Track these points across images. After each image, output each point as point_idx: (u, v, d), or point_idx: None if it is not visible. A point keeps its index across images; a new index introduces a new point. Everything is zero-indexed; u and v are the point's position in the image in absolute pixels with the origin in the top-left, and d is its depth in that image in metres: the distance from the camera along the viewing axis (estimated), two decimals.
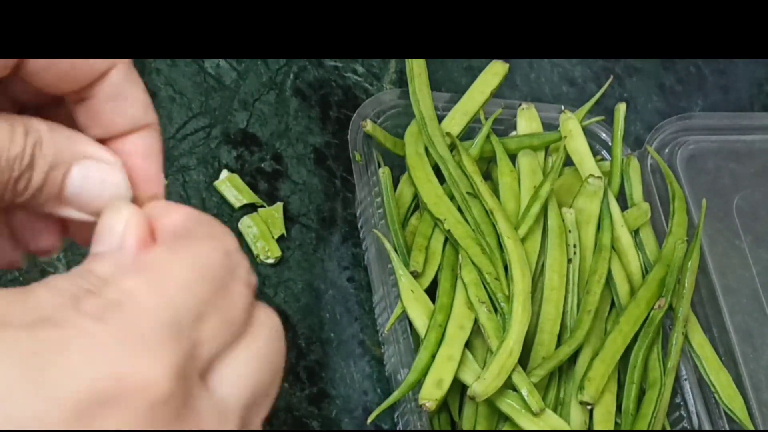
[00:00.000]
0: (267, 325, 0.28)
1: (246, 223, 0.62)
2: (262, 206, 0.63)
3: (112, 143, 0.30)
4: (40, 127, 0.28)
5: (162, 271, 0.26)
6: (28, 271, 0.56)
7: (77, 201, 0.29)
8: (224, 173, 0.64)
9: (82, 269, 0.26)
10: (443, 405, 0.56)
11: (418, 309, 0.56)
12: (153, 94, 0.65)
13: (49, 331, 0.23)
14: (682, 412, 0.60)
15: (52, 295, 0.24)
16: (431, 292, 0.58)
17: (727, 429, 0.60)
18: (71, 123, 0.30)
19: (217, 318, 0.26)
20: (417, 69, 0.63)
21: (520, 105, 0.68)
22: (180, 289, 0.25)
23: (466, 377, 0.54)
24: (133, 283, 0.25)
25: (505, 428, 0.55)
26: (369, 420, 0.55)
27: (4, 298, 0.24)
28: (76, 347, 0.23)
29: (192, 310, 0.25)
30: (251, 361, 0.27)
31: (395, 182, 0.62)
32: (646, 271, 0.63)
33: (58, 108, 0.31)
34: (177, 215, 0.29)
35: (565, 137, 0.65)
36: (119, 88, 0.30)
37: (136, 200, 0.30)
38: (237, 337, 0.26)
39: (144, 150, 0.31)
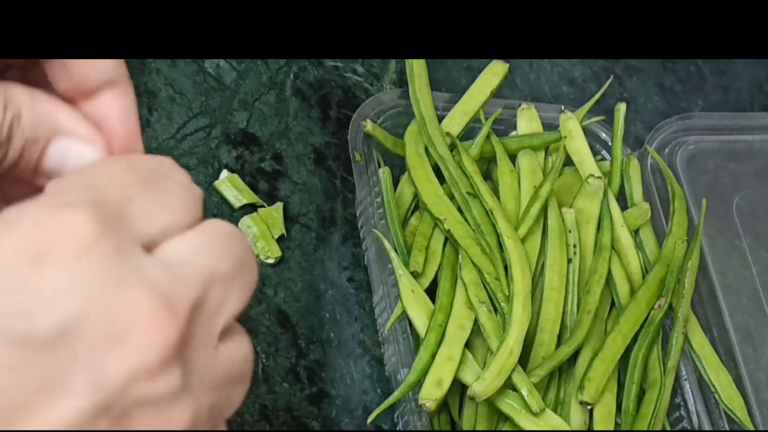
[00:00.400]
0: (217, 222, 0.28)
1: (246, 223, 0.62)
2: (262, 206, 0.63)
3: (88, 105, 0.30)
4: (21, 98, 0.28)
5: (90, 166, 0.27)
6: None
7: (55, 174, 0.29)
8: (224, 173, 0.64)
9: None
10: (443, 405, 0.56)
11: (418, 309, 0.56)
12: (153, 94, 0.65)
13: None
14: (682, 412, 0.60)
15: None
16: (431, 292, 0.58)
17: (727, 429, 0.60)
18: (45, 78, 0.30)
19: (148, 199, 0.26)
20: (417, 69, 0.63)
21: (520, 105, 0.68)
22: (101, 175, 0.26)
23: (466, 377, 0.54)
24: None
25: (505, 428, 0.55)
26: (369, 420, 0.55)
27: None
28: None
29: (115, 189, 0.26)
30: (202, 240, 0.27)
31: (395, 182, 0.62)
32: (646, 271, 0.63)
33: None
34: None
35: (565, 137, 0.65)
36: None
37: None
38: (185, 227, 0.27)
39: (120, 111, 0.30)
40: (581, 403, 0.56)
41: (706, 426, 0.59)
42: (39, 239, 0.23)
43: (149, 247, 0.26)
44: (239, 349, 0.28)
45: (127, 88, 0.31)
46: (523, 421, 0.53)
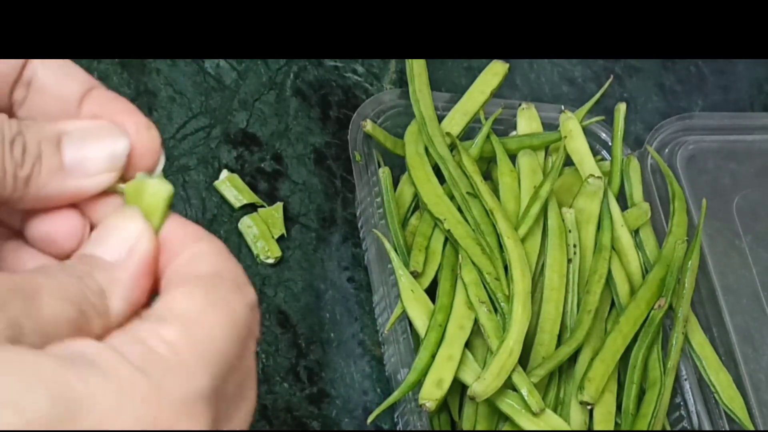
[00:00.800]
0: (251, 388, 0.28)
1: (246, 223, 0.62)
2: (262, 206, 0.63)
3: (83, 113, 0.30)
4: (12, 123, 0.27)
5: (201, 325, 0.25)
6: None
7: (80, 168, 0.28)
8: (224, 173, 0.64)
9: (82, 269, 0.26)
10: (443, 405, 0.56)
11: (418, 309, 0.56)
12: (153, 94, 0.65)
13: (88, 372, 0.22)
14: (682, 412, 0.60)
15: (61, 302, 0.24)
16: (431, 292, 0.58)
17: (727, 429, 0.60)
18: None
19: (236, 378, 0.26)
20: (417, 69, 0.63)
21: (520, 105, 0.68)
22: (219, 351, 0.25)
23: (466, 377, 0.54)
24: (173, 334, 0.24)
25: (505, 428, 0.55)
26: (369, 420, 0.55)
27: (17, 285, 0.23)
28: (117, 397, 0.22)
29: (225, 372, 0.25)
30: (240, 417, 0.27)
31: (395, 182, 0.62)
32: (646, 271, 0.63)
33: None
34: (199, 248, 0.28)
35: (565, 137, 0.65)
36: (47, 72, 0.29)
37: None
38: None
39: (102, 100, 0.30)
40: (581, 403, 0.56)
41: (706, 426, 0.59)
42: None
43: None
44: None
45: (104, 89, 0.30)
46: (523, 421, 0.53)
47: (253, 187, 0.64)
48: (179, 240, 0.28)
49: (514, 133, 0.67)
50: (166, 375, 0.23)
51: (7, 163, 0.27)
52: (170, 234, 0.28)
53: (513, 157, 0.64)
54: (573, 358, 0.58)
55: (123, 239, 0.27)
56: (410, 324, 0.57)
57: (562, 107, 0.68)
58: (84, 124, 0.29)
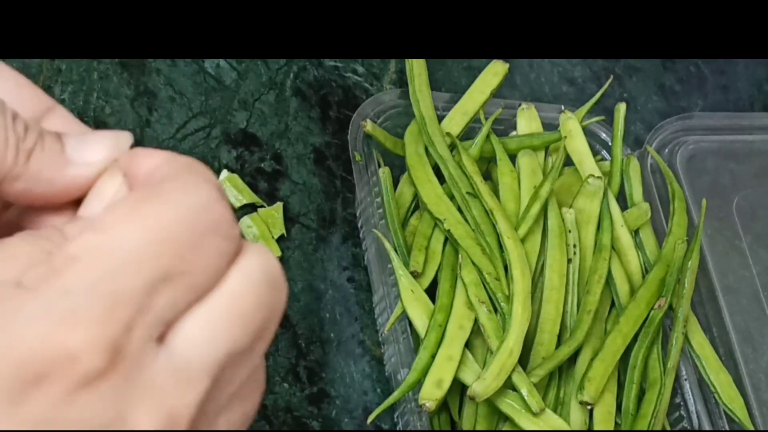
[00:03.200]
0: (247, 274, 0.25)
1: (246, 223, 0.62)
2: (262, 206, 0.63)
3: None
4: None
5: (114, 235, 0.23)
6: None
7: (81, 156, 0.27)
8: (224, 173, 0.64)
9: (54, 229, 0.25)
10: (443, 405, 0.56)
11: (418, 309, 0.56)
12: (153, 94, 0.65)
13: None
14: (682, 412, 0.60)
15: (11, 256, 0.23)
16: (431, 292, 0.58)
17: (727, 429, 0.60)
18: None
19: (180, 283, 0.23)
20: (417, 69, 0.63)
21: (520, 105, 0.68)
22: (129, 261, 0.23)
23: (466, 377, 0.54)
24: (79, 247, 0.23)
25: (505, 428, 0.55)
26: (369, 420, 0.55)
27: None
28: (5, 321, 0.21)
29: (140, 281, 0.23)
30: (220, 318, 0.24)
31: (395, 182, 0.62)
32: (646, 271, 0.63)
33: None
34: (152, 159, 0.26)
35: (565, 137, 0.65)
36: (3, 90, 0.28)
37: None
38: (206, 292, 0.24)
39: (61, 122, 0.29)
40: (581, 403, 0.56)
41: (706, 426, 0.59)
42: (38, 356, 0.21)
43: (164, 333, 0.24)
44: (247, 405, 0.26)
45: (61, 109, 0.29)
46: (523, 421, 0.53)
47: (253, 187, 0.64)
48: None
49: (514, 133, 0.67)
50: (57, 290, 0.22)
51: (9, 133, 0.26)
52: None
53: (513, 157, 0.64)
54: (573, 358, 0.58)
55: (103, 195, 0.27)
56: (410, 324, 0.57)
57: (562, 107, 0.68)
58: (85, 129, 0.28)
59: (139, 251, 0.23)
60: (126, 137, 0.28)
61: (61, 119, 0.29)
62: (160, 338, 0.23)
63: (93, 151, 0.27)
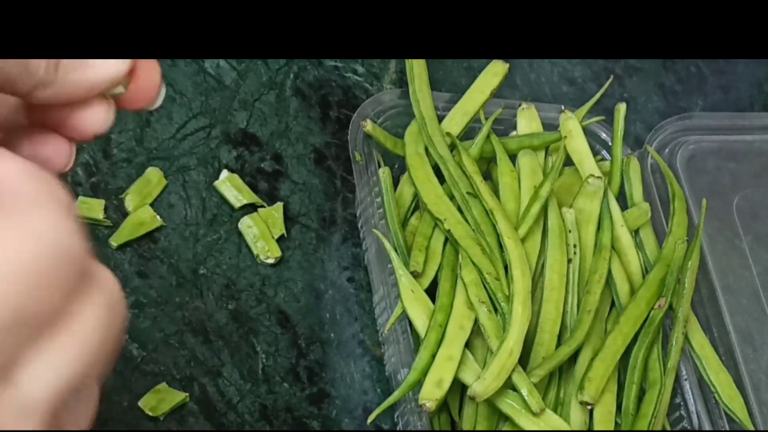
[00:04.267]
0: (92, 310, 0.25)
1: (246, 223, 0.62)
2: (262, 206, 0.63)
3: None
4: None
5: None
6: None
7: (96, 63, 0.29)
8: (224, 173, 0.64)
9: None
10: (443, 405, 0.56)
11: (418, 309, 0.56)
12: None
13: None
14: (682, 412, 0.60)
15: None
16: (431, 292, 0.58)
17: (727, 429, 0.60)
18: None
19: (26, 323, 0.23)
20: (417, 69, 0.63)
21: (520, 105, 0.68)
22: None
23: (466, 377, 0.54)
24: None
25: (505, 428, 0.55)
26: (369, 420, 0.55)
27: None
28: None
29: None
30: (64, 354, 0.24)
31: (395, 182, 0.62)
32: (646, 271, 0.63)
33: None
34: (10, 167, 0.24)
35: (565, 137, 0.65)
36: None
37: None
38: (50, 326, 0.24)
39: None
40: (581, 403, 0.56)
41: (706, 426, 0.59)
42: None
43: (6, 372, 0.23)
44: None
45: None
46: (523, 421, 0.53)
47: (253, 187, 0.64)
48: None
49: (514, 133, 0.67)
50: None
51: None
52: None
53: (513, 157, 0.64)
54: (573, 358, 0.58)
55: None
56: (410, 324, 0.57)
57: (562, 107, 0.68)
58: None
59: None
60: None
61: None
62: (3, 373, 0.23)
63: (105, 61, 0.29)
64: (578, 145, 0.66)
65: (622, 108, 0.68)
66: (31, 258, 0.23)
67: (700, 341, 0.62)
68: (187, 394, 0.56)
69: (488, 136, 0.64)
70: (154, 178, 0.62)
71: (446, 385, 0.53)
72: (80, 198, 0.60)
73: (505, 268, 0.56)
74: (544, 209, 0.60)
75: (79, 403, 0.26)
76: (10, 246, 0.22)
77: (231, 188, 0.63)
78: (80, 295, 0.24)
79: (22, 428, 0.23)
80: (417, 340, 0.56)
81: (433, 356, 0.54)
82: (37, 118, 0.31)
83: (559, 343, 0.57)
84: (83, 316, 0.24)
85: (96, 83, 0.30)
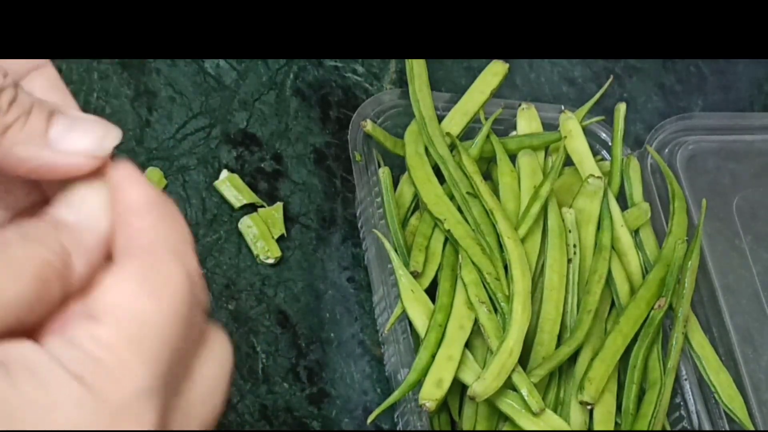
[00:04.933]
0: (219, 348, 0.27)
1: (246, 223, 0.62)
2: (262, 206, 0.63)
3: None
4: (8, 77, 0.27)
5: (135, 317, 0.25)
6: None
7: (63, 142, 0.27)
8: (224, 173, 0.64)
9: (45, 231, 0.25)
10: (443, 405, 0.56)
11: (418, 309, 0.56)
12: (153, 94, 0.65)
13: (23, 378, 0.22)
14: (682, 412, 0.60)
15: (13, 277, 0.24)
16: (431, 292, 0.58)
17: (727, 429, 0.60)
18: None
19: (185, 356, 0.25)
20: (417, 69, 0.63)
21: (520, 105, 0.68)
22: (157, 340, 0.24)
23: (466, 377, 0.54)
24: (107, 333, 0.24)
25: (505, 428, 0.55)
26: (369, 420, 0.55)
27: None
28: (51, 405, 0.22)
29: (167, 359, 0.25)
30: (201, 400, 0.26)
31: (395, 182, 0.62)
32: (646, 271, 0.63)
33: None
34: (137, 195, 0.27)
35: (565, 137, 0.65)
36: None
37: None
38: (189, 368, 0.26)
39: (45, 83, 0.29)
40: (581, 403, 0.56)
41: (706, 426, 0.59)
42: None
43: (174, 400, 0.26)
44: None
45: (49, 66, 0.29)
46: (523, 421, 0.53)
47: (253, 187, 0.64)
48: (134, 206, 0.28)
49: (514, 133, 0.67)
50: (103, 379, 0.23)
51: None
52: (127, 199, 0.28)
53: (513, 157, 0.64)
54: (573, 358, 0.58)
55: (91, 204, 0.27)
56: (410, 324, 0.57)
57: (562, 107, 0.68)
58: (78, 113, 0.28)
59: (164, 334, 0.25)
60: (114, 135, 0.28)
61: (45, 80, 0.29)
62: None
63: (76, 141, 0.27)
64: (578, 145, 0.66)
65: (622, 108, 0.68)
66: (174, 298, 0.25)
67: (700, 341, 0.62)
68: None
69: (488, 136, 0.64)
70: (153, 178, 0.62)
71: (446, 385, 0.53)
72: None
73: (505, 268, 0.56)
74: (544, 209, 0.60)
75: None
76: (155, 286, 0.25)
77: (231, 188, 0.63)
78: (204, 343, 0.27)
79: None
80: (417, 340, 0.56)
81: (433, 356, 0.54)
82: None
83: (559, 343, 0.57)
84: (208, 367, 0.27)
85: (49, 170, 0.27)
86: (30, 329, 0.24)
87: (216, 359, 0.27)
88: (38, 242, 0.25)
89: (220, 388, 0.27)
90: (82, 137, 0.27)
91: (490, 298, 0.56)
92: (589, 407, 0.56)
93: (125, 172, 0.28)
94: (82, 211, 0.27)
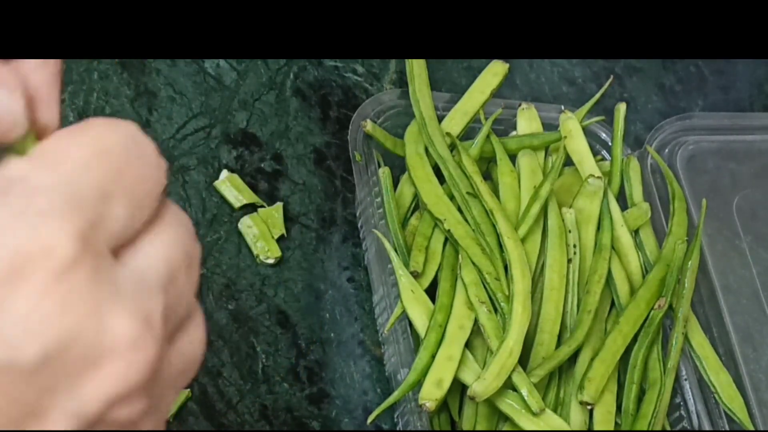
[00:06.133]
0: (177, 218, 0.27)
1: (246, 223, 0.62)
2: (262, 206, 0.63)
3: (11, 63, 0.28)
4: None
5: (57, 152, 0.25)
6: None
7: None
8: (224, 173, 0.64)
9: None
10: (443, 405, 0.56)
11: (418, 309, 0.56)
12: (153, 94, 0.65)
13: None
14: (682, 412, 0.60)
15: None
16: (431, 292, 0.58)
17: (727, 429, 0.60)
18: None
19: (124, 198, 0.25)
20: (417, 69, 0.63)
21: (520, 105, 0.68)
22: (78, 168, 0.24)
23: (466, 377, 0.54)
24: (26, 165, 0.24)
25: (505, 428, 0.55)
26: (369, 420, 0.55)
27: None
28: None
29: (93, 188, 0.24)
30: (165, 243, 0.26)
31: (395, 182, 0.62)
32: (646, 271, 0.63)
33: None
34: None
35: (565, 137, 0.65)
36: None
37: (30, 124, 0.27)
38: (147, 224, 0.26)
39: (42, 74, 0.29)
40: (581, 403, 0.56)
41: (706, 426, 0.59)
42: (17, 255, 0.22)
43: (116, 252, 0.25)
44: (193, 339, 0.27)
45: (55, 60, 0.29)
46: (523, 421, 0.53)
47: (253, 187, 0.64)
48: None
49: (514, 133, 0.67)
50: (18, 197, 0.23)
51: None
52: None
53: (513, 157, 0.64)
54: (573, 358, 0.58)
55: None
56: (410, 324, 0.57)
57: (562, 107, 0.68)
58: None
59: (86, 163, 0.24)
60: (14, 120, 0.27)
61: (33, 69, 0.28)
62: (114, 254, 0.25)
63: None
64: (578, 145, 0.66)
65: (622, 108, 0.68)
66: (117, 143, 0.25)
67: (700, 341, 0.62)
68: (188, 393, 0.56)
69: (488, 136, 0.64)
70: None
71: (446, 385, 0.53)
72: None
73: (505, 268, 0.56)
74: (544, 209, 0.60)
75: (188, 318, 0.27)
76: (98, 136, 0.25)
77: (231, 188, 0.63)
78: (164, 203, 0.26)
79: (150, 304, 0.24)
80: (417, 340, 0.56)
81: (433, 356, 0.54)
82: None
83: (559, 343, 0.57)
84: (170, 221, 0.26)
85: None
86: None
87: (172, 226, 0.26)
88: None
89: (180, 251, 0.26)
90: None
91: (490, 298, 0.56)
92: (589, 407, 0.56)
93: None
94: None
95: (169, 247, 0.26)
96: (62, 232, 0.23)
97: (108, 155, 0.25)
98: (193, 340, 0.27)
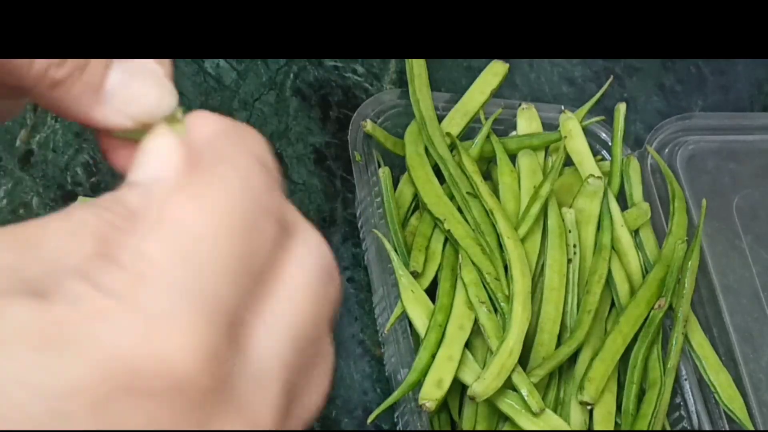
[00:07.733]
0: (304, 256, 0.24)
1: None
2: None
3: None
4: None
5: (181, 225, 0.21)
6: None
7: (115, 100, 0.26)
8: None
9: (113, 198, 0.23)
10: (443, 405, 0.56)
11: (418, 309, 0.56)
12: None
13: (62, 310, 0.20)
14: (682, 412, 0.60)
15: (71, 235, 0.22)
16: (431, 292, 0.58)
17: (727, 429, 0.60)
18: None
19: (246, 270, 0.22)
20: (417, 69, 0.63)
21: (520, 105, 0.68)
22: (205, 249, 0.21)
23: (466, 377, 0.54)
24: (152, 246, 0.21)
25: (505, 428, 0.55)
26: (369, 420, 0.55)
27: (19, 235, 0.21)
28: (91, 329, 0.19)
29: (224, 278, 0.21)
30: (280, 316, 0.22)
31: (395, 182, 0.62)
32: (646, 271, 0.63)
33: None
34: (207, 127, 0.25)
35: (565, 137, 0.65)
36: None
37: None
38: (265, 284, 0.22)
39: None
40: (581, 403, 0.56)
41: (706, 426, 0.59)
42: (130, 368, 0.19)
43: (237, 334, 0.21)
44: (319, 389, 0.24)
45: None
46: (523, 421, 0.53)
47: None
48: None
49: (514, 133, 0.67)
50: (139, 290, 0.20)
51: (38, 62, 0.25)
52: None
53: (513, 157, 0.64)
54: (573, 358, 0.58)
55: (155, 156, 0.25)
56: (410, 324, 0.57)
57: (562, 107, 0.68)
58: (146, 63, 0.28)
59: (214, 244, 0.21)
60: (167, 102, 0.27)
61: None
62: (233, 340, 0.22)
63: (128, 102, 0.26)
64: (578, 145, 0.66)
65: (622, 108, 0.68)
66: (229, 209, 0.22)
67: (700, 341, 0.62)
68: None
69: (488, 136, 0.64)
70: None
71: (446, 385, 0.53)
72: (80, 198, 0.60)
73: (505, 268, 0.56)
74: (544, 209, 0.60)
75: (315, 368, 0.24)
76: (208, 198, 0.22)
77: None
78: (284, 252, 0.23)
79: (264, 404, 0.22)
80: (417, 340, 0.56)
81: (433, 356, 0.54)
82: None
83: (559, 343, 0.57)
84: (291, 273, 0.23)
85: (99, 124, 0.26)
86: None
87: (296, 278, 0.23)
88: (99, 208, 0.23)
89: (308, 310, 0.23)
90: (135, 100, 0.27)
91: (490, 298, 0.56)
92: (589, 407, 0.56)
93: (198, 115, 0.26)
94: (149, 168, 0.25)
95: (291, 319, 0.23)
96: (191, 347, 0.20)
97: (237, 220, 0.22)
98: (319, 390, 0.24)
